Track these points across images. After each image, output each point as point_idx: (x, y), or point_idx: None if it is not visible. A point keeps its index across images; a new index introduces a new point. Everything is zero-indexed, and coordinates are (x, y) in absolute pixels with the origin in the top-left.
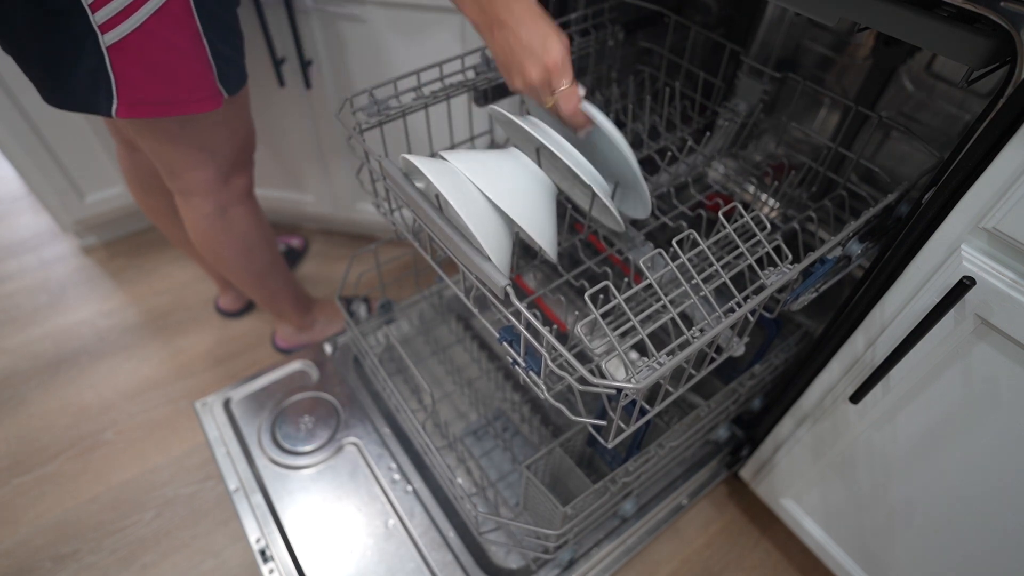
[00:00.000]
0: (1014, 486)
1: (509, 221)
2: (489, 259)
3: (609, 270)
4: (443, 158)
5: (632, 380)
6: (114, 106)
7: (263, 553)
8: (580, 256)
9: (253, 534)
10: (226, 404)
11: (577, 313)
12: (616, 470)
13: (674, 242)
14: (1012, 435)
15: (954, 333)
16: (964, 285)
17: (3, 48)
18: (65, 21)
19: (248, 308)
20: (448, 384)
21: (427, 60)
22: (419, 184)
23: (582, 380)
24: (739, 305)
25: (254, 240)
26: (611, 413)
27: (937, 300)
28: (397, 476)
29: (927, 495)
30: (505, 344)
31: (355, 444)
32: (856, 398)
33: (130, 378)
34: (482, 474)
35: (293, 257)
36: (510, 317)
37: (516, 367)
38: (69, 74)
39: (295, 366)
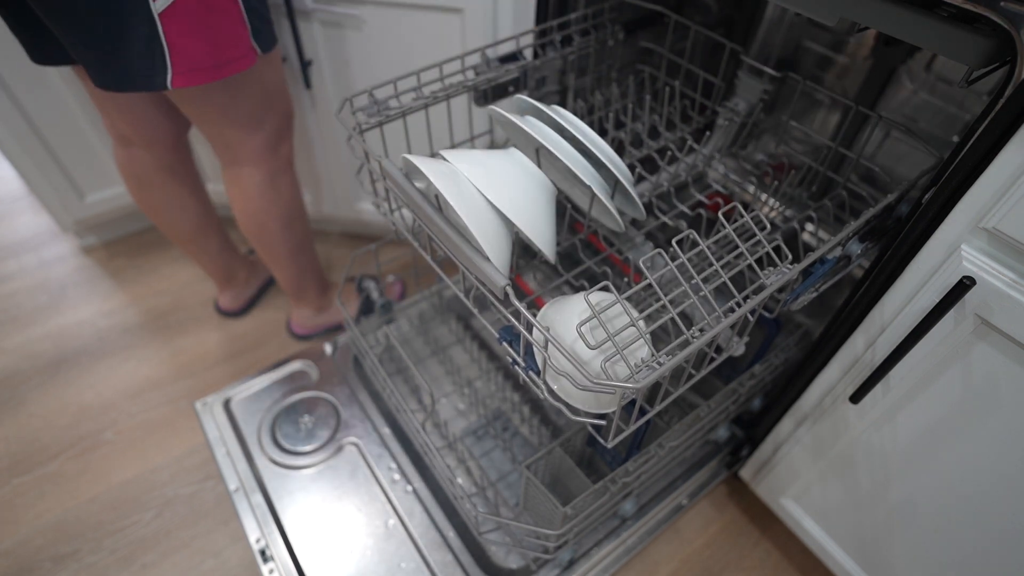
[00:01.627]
0: (1014, 486)
1: (509, 221)
2: (488, 259)
3: (609, 270)
4: (443, 158)
5: (632, 380)
6: (169, 76)
7: (263, 553)
8: (580, 256)
9: (253, 534)
10: (226, 404)
11: None
12: (616, 470)
13: (674, 242)
14: (1012, 435)
15: (954, 333)
16: (964, 285)
17: (61, 33)
18: None
19: (248, 307)
20: (448, 384)
21: (427, 60)
22: (419, 184)
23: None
24: (739, 305)
25: (296, 210)
26: (611, 413)
27: (937, 300)
28: (397, 476)
29: (927, 495)
30: (505, 344)
31: (355, 444)
32: (856, 398)
33: (130, 378)
34: (482, 474)
35: None
36: (510, 317)
37: (516, 367)
38: (126, 49)
39: (295, 366)
